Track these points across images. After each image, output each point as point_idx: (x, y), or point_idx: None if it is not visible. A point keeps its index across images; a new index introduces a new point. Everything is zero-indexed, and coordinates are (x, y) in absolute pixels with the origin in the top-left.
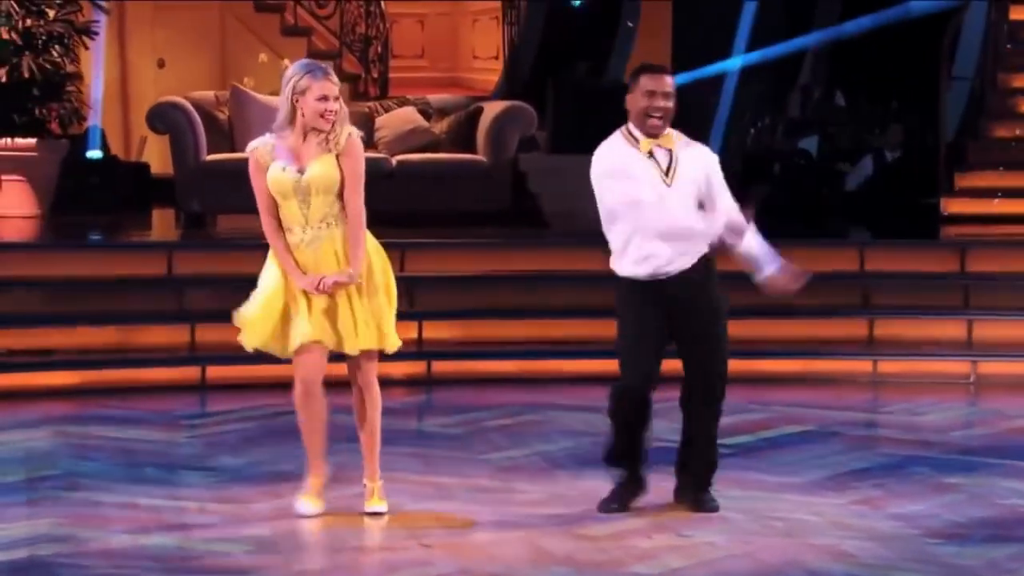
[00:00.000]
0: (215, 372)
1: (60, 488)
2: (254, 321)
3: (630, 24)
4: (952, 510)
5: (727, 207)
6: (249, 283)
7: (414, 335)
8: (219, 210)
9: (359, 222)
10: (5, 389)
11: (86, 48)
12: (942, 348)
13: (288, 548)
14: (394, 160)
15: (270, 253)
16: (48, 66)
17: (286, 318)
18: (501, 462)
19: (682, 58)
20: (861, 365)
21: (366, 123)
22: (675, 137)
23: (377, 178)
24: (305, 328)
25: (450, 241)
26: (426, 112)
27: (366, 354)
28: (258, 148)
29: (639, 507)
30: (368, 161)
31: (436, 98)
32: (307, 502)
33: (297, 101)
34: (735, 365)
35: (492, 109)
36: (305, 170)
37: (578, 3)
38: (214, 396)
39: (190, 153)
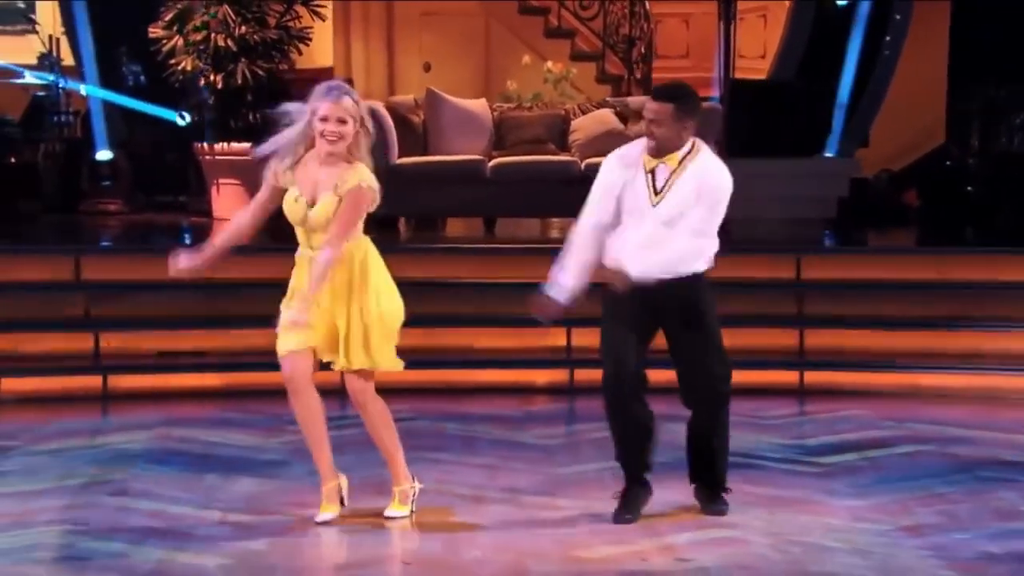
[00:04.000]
0: None
1: (107, 493)
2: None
3: (898, 16)
4: (1000, 541)
5: (693, 227)
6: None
7: (563, 342)
8: (407, 213)
9: (329, 258)
10: (151, 389)
11: (299, 54)
12: None
13: (262, 565)
14: (583, 164)
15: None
16: (262, 72)
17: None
18: (568, 475)
19: (961, 59)
20: None
21: (562, 125)
22: (685, 157)
23: (566, 182)
24: (290, 337)
25: None
26: (623, 115)
27: (358, 373)
28: (278, 170)
29: (667, 522)
30: (559, 164)
31: (635, 100)
32: (322, 511)
33: (313, 123)
34: (894, 379)
35: None
36: (315, 204)
37: (844, 2)
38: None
39: (379, 156)
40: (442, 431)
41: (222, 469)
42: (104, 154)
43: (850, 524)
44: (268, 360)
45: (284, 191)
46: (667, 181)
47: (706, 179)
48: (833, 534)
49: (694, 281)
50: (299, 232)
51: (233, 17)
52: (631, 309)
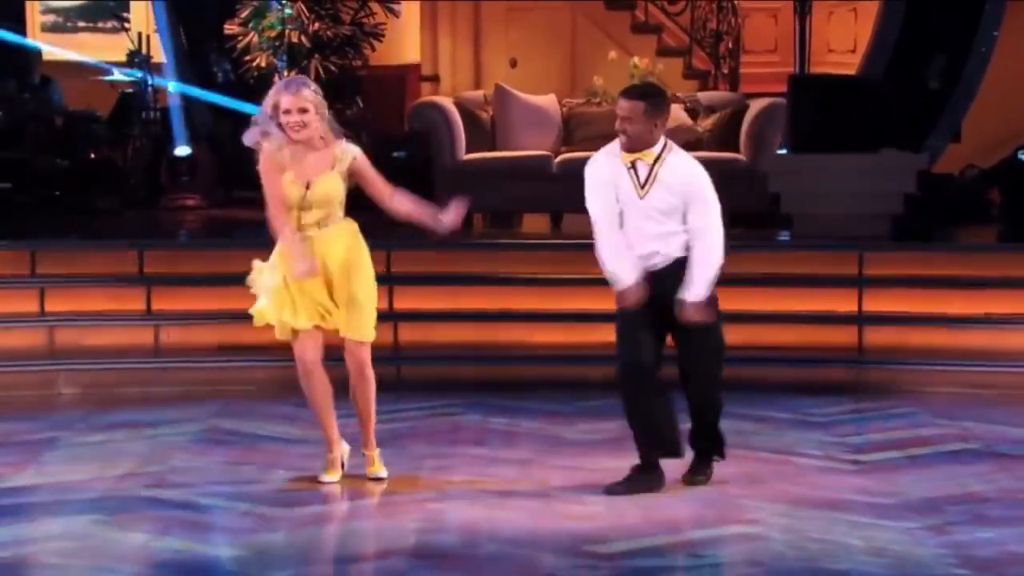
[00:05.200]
0: (409, 371)
1: (141, 485)
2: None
3: (991, 10)
4: None
5: (693, 224)
6: (459, 279)
7: None
8: (474, 208)
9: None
10: (209, 382)
11: (373, 50)
12: None
13: (276, 557)
14: None
15: (274, 252)
16: (335, 68)
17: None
18: (602, 471)
19: None
20: None
21: None
22: (660, 152)
23: None
24: (301, 316)
25: None
26: (694, 110)
27: (363, 343)
28: (274, 152)
29: (690, 519)
30: None
31: (706, 95)
32: (325, 474)
33: (277, 117)
34: (953, 377)
35: (755, 106)
36: (311, 185)
37: None
38: (406, 395)
39: (446, 151)
40: (486, 426)
41: (261, 462)
42: (183, 150)
43: (875, 522)
44: (324, 355)
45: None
46: (649, 174)
47: (681, 174)
48: (855, 532)
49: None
50: (292, 214)
51: (307, 14)
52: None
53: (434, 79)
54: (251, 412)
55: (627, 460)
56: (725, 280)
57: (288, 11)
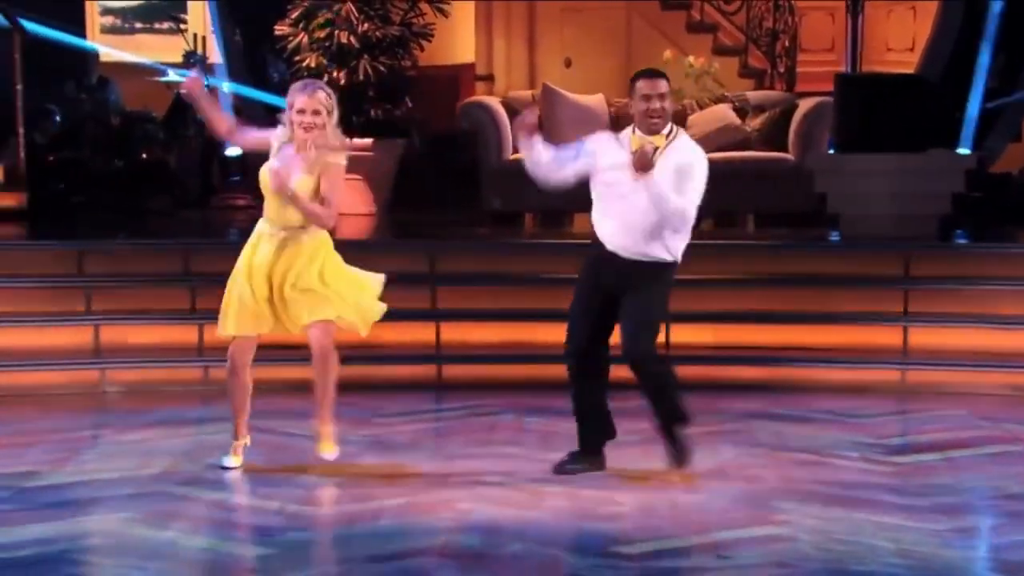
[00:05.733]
0: (451, 371)
1: (175, 483)
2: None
3: None
4: None
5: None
6: (502, 278)
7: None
8: (521, 209)
9: (324, 210)
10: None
11: (421, 50)
12: None
13: (301, 557)
14: None
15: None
16: (383, 68)
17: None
18: (634, 471)
19: None
20: None
21: (679, 120)
22: (668, 135)
23: None
24: (236, 322)
25: (708, 243)
26: (743, 109)
27: (315, 327)
28: (280, 137)
29: (719, 520)
30: None
31: (756, 94)
32: (228, 458)
33: (291, 115)
34: (998, 379)
35: (804, 106)
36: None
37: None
38: (446, 394)
39: (493, 151)
40: (522, 426)
41: (295, 461)
42: (233, 150)
43: (904, 523)
44: (368, 353)
45: (267, 145)
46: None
47: (681, 157)
48: (884, 533)
49: (656, 269)
50: (271, 203)
51: (356, 15)
52: (593, 284)
53: (489, 79)
54: (289, 411)
55: (658, 463)
56: (769, 280)
57: (337, 11)
